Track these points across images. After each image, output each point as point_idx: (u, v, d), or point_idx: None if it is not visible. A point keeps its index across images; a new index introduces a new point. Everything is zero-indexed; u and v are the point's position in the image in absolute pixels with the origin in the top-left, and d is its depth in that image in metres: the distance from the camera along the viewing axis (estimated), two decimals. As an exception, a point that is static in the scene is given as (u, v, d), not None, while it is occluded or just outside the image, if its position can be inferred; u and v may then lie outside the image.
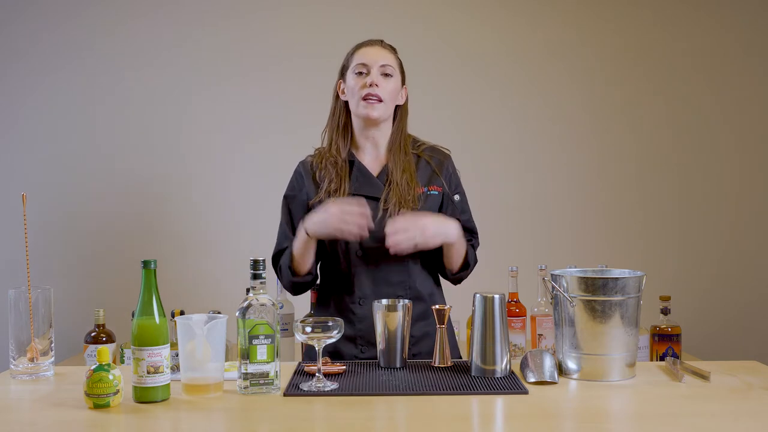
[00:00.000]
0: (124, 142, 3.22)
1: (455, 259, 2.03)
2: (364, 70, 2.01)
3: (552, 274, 1.75)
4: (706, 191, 3.26)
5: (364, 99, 2.00)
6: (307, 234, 1.94)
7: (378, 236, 1.96)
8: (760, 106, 3.26)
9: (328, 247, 2.03)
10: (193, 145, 3.23)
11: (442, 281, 2.15)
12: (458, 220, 2.05)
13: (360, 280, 2.00)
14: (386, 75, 2.02)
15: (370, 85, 1.99)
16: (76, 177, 3.21)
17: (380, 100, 2.00)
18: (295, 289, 2.08)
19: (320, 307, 2.11)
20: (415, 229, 1.88)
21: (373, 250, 1.98)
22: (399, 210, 1.97)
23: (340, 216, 1.86)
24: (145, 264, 1.56)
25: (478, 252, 2.13)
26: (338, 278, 2.03)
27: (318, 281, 2.11)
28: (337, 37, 3.20)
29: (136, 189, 3.22)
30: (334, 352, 2.00)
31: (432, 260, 2.07)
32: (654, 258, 3.21)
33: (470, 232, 2.12)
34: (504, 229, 3.21)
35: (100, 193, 3.21)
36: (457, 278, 2.10)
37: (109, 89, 3.21)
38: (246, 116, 3.22)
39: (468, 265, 2.06)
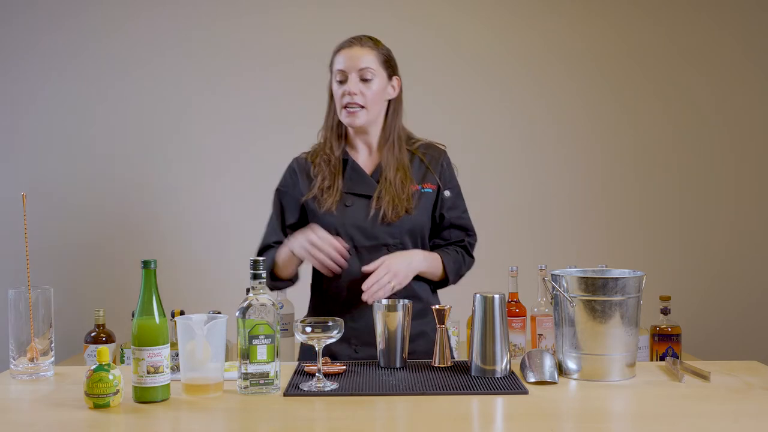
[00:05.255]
0: (124, 142, 3.22)
1: (429, 278, 2.05)
2: (343, 78, 2.00)
3: (552, 274, 1.75)
4: (706, 191, 3.26)
5: (345, 107, 1.99)
6: (292, 252, 1.95)
7: (369, 235, 1.98)
8: (760, 107, 3.26)
9: None
10: (194, 145, 3.23)
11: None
12: (444, 216, 2.07)
13: (352, 278, 1.98)
14: (365, 78, 1.99)
15: (349, 94, 1.98)
16: (76, 177, 3.21)
17: (361, 107, 1.99)
18: (273, 288, 2.08)
19: (314, 307, 2.09)
20: (388, 277, 1.89)
21: (366, 249, 1.99)
22: (392, 209, 1.98)
23: (314, 247, 1.89)
24: (145, 264, 1.56)
25: (478, 251, 2.12)
26: (331, 278, 2.02)
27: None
28: (337, 37, 3.21)
29: (136, 189, 3.23)
30: (328, 354, 1.99)
31: None
32: (654, 258, 3.21)
33: (463, 230, 2.11)
34: (504, 229, 3.21)
35: (101, 193, 3.21)
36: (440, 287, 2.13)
37: (109, 89, 3.21)
38: (246, 116, 3.22)
39: (447, 280, 2.07)
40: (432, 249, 2.08)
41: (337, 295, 2.01)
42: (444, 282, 2.08)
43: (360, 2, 3.23)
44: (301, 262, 2.01)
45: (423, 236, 2.06)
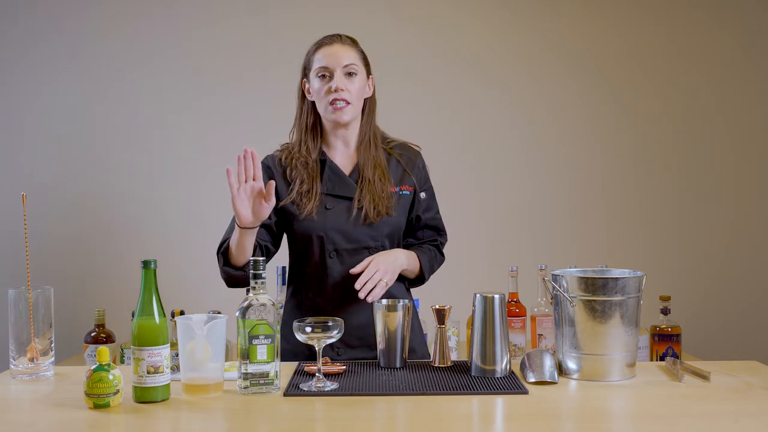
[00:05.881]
0: (124, 142, 3.22)
1: (407, 275, 2.06)
2: (327, 74, 1.98)
3: (552, 274, 1.75)
4: (706, 191, 3.26)
5: (332, 104, 1.97)
6: (239, 225, 1.87)
7: (350, 238, 1.98)
8: (760, 107, 3.26)
9: (298, 246, 2.02)
10: (194, 145, 3.23)
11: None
12: (420, 218, 2.08)
13: (333, 281, 1.98)
14: (350, 74, 1.99)
15: (336, 90, 1.96)
16: (76, 177, 3.21)
17: (348, 103, 1.98)
18: (232, 282, 1.98)
19: (292, 309, 2.05)
20: (379, 275, 1.88)
21: (347, 252, 1.98)
22: (373, 208, 1.97)
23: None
24: (145, 264, 1.56)
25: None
26: (311, 281, 2.01)
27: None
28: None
29: (136, 189, 3.23)
30: (311, 357, 1.95)
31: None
32: (654, 258, 3.21)
33: (436, 230, 2.14)
34: (504, 229, 3.21)
35: (101, 193, 3.21)
36: (413, 287, 2.14)
37: (109, 89, 3.21)
38: (246, 117, 3.22)
39: (423, 278, 2.09)
40: (405, 247, 2.09)
41: (319, 300, 2.00)
42: (419, 279, 2.10)
43: (360, 2, 3.22)
44: (253, 241, 1.91)
45: (400, 237, 2.08)
